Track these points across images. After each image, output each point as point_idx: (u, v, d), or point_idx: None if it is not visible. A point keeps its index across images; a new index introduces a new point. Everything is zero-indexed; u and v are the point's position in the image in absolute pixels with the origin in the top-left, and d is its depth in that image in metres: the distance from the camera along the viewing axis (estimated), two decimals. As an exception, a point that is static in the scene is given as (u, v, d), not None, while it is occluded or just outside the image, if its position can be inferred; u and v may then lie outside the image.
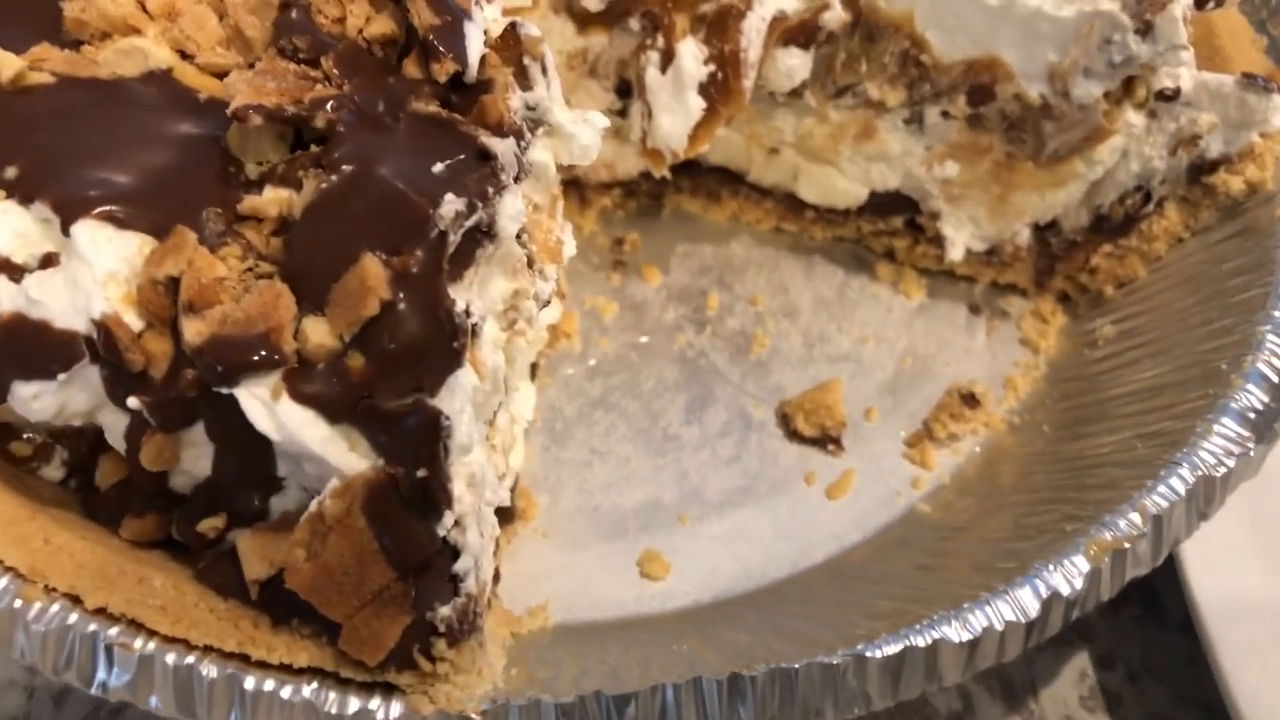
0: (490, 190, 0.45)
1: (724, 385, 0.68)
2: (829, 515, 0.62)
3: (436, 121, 0.47)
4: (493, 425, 0.52)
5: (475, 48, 0.49)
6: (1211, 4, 0.64)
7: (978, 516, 0.61)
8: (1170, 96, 0.65)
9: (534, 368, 0.64)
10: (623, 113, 0.69)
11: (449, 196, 0.43)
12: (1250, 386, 0.56)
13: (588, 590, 0.59)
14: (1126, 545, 0.48)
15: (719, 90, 0.65)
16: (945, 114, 0.67)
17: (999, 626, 0.45)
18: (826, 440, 0.65)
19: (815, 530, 0.62)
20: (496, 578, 0.56)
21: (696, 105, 0.65)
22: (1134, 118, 0.66)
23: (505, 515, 0.59)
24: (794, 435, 0.66)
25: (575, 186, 0.74)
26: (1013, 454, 0.65)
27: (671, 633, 0.54)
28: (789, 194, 0.74)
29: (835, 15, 0.64)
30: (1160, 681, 0.59)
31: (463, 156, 0.45)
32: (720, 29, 0.64)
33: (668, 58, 0.64)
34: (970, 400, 0.66)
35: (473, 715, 0.42)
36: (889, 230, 0.73)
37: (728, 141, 0.73)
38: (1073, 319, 0.71)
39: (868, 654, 0.44)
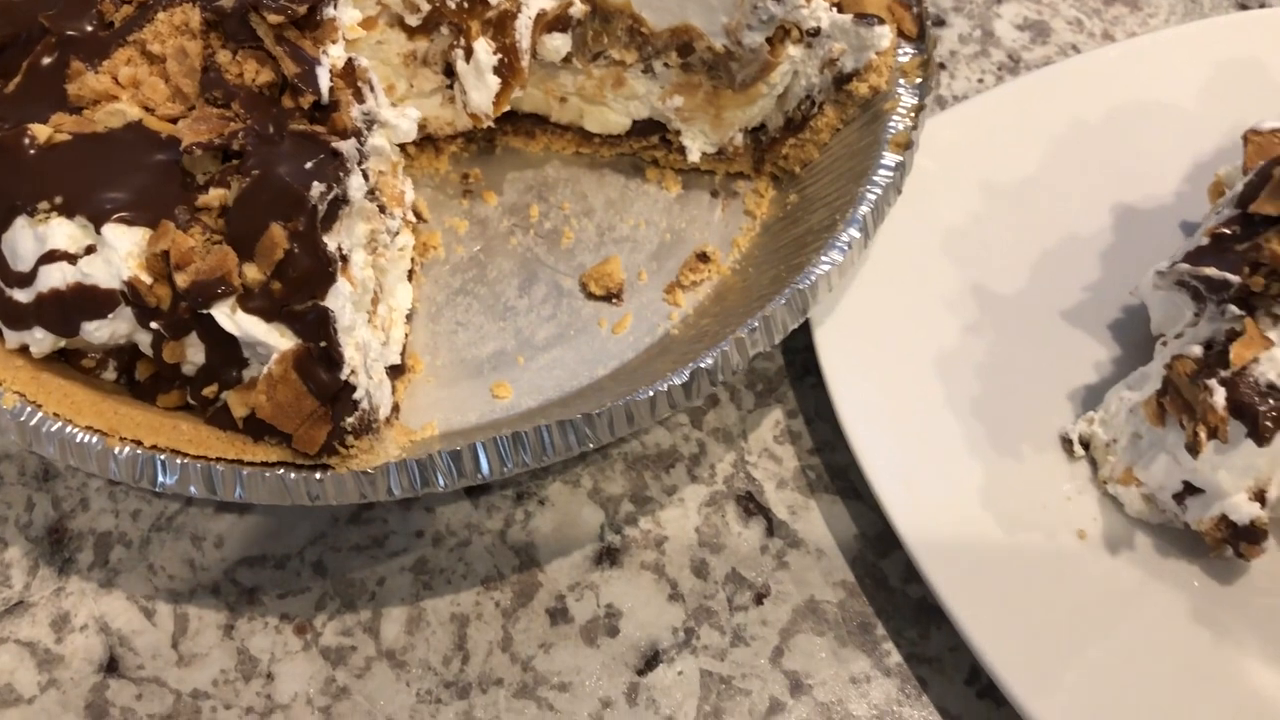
0: (341, 175, 0.75)
1: (544, 269, 0.98)
2: (615, 344, 0.92)
3: (305, 135, 0.77)
4: (374, 313, 0.84)
5: (325, 82, 0.78)
6: (826, -28, 0.93)
7: (709, 331, 0.93)
8: (815, 33, 0.94)
9: (411, 273, 0.96)
10: (451, 86, 1.00)
11: (315, 183, 0.73)
12: (852, 230, 0.88)
13: (459, 410, 0.89)
14: (744, 336, 0.80)
15: (507, 70, 0.94)
16: (665, 64, 0.97)
17: (665, 388, 0.78)
18: (611, 297, 0.96)
19: (605, 354, 0.92)
20: (397, 410, 0.88)
21: (494, 82, 0.94)
22: (794, 50, 0.95)
23: (400, 370, 0.91)
24: (590, 296, 0.95)
25: (430, 141, 1.04)
26: (734, 288, 0.95)
27: (507, 427, 0.87)
28: (580, 128, 1.04)
29: (578, 8, 0.93)
30: (825, 422, 0.91)
31: (323, 156, 0.75)
32: (501, 28, 0.93)
33: (469, 52, 0.94)
34: (703, 257, 0.97)
35: (368, 469, 0.75)
36: (650, 145, 1.03)
37: (532, 96, 1.02)
38: (779, 191, 1.01)
39: (594, 413, 0.77)
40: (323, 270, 0.73)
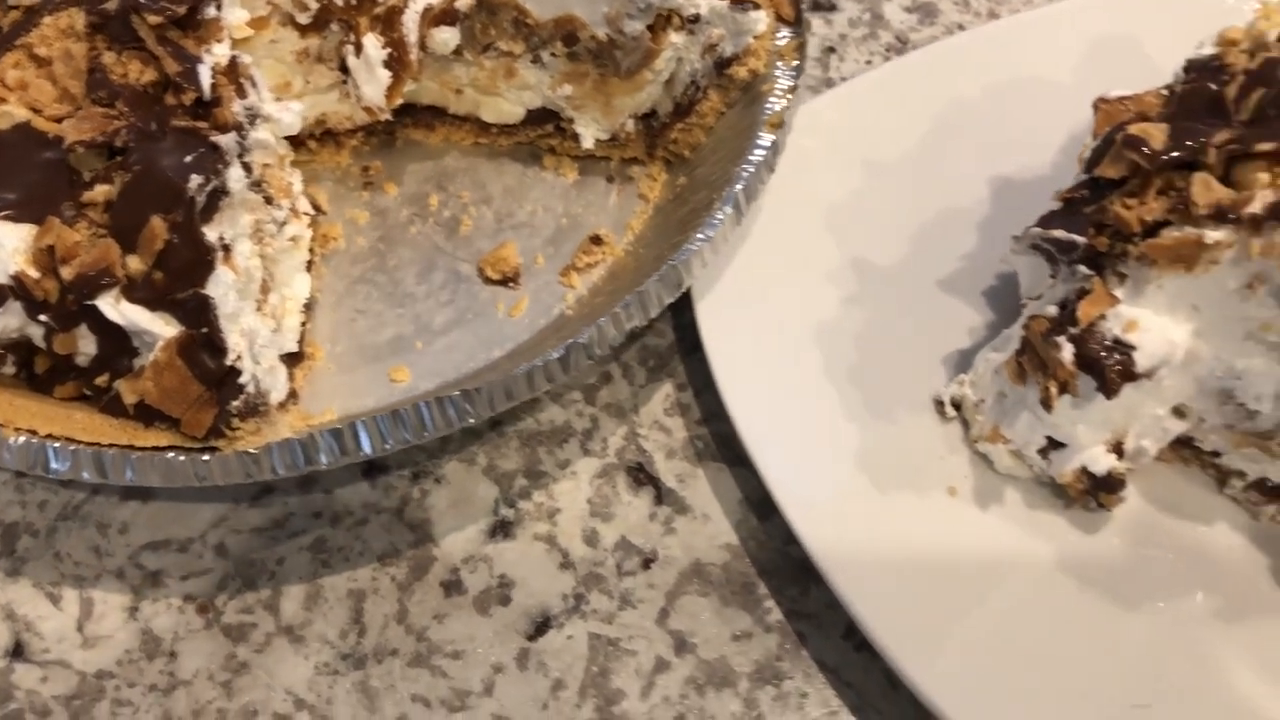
0: (220, 167, 0.78)
1: (443, 256, 1.01)
2: (511, 326, 0.94)
3: (187, 131, 0.79)
4: (264, 301, 0.87)
5: (206, 80, 0.81)
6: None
7: (601, 310, 0.95)
8: (694, 20, 0.97)
9: (311, 264, 0.99)
10: (347, 81, 1.03)
11: (193, 176, 0.76)
12: (726, 208, 0.91)
13: (357, 395, 0.91)
14: (620, 312, 0.84)
15: (397, 64, 0.97)
16: (552, 54, 0.99)
17: (540, 363, 0.81)
18: (507, 281, 0.99)
19: (502, 336, 0.94)
20: (295, 396, 0.91)
21: (384, 75, 0.97)
22: (676, 37, 0.98)
23: (298, 358, 0.93)
24: (487, 281, 0.98)
25: (331, 135, 1.07)
26: (627, 268, 0.98)
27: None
28: (477, 118, 1.07)
29: (464, 1, 0.97)
30: (713, 394, 0.93)
31: (202, 150, 0.79)
32: (389, 24, 0.96)
33: (358, 48, 0.96)
34: (596, 240, 1.00)
35: (252, 449, 0.78)
36: (546, 134, 1.06)
37: (429, 89, 1.05)
38: (671, 175, 1.04)
39: (472, 389, 0.80)
40: (202, 259, 0.76)
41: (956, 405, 0.89)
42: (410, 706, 0.81)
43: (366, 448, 0.79)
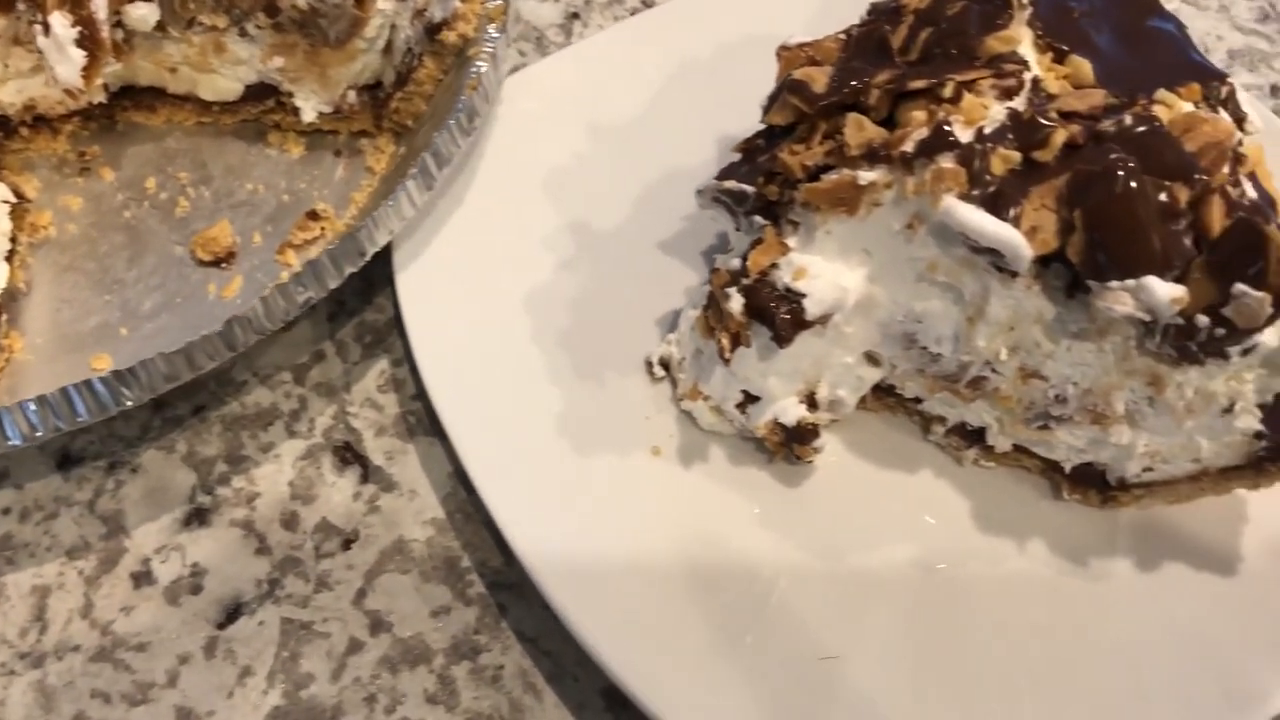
0: None
1: (156, 239, 0.97)
2: (221, 308, 0.91)
3: None
4: (-64, 288, 0.84)
5: None
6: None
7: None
8: None
9: (14, 254, 0.95)
10: (49, 65, 0.99)
11: None
12: (412, 176, 0.88)
13: (56, 386, 0.90)
14: (289, 284, 0.81)
15: (89, 42, 0.94)
16: (258, 26, 0.97)
17: (198, 338, 0.78)
18: (219, 261, 0.96)
19: (212, 318, 0.88)
20: (-14, 388, 0.88)
21: (78, 55, 0.93)
22: (384, 4, 0.95)
23: (-9, 348, 0.90)
24: (199, 262, 0.95)
25: (45, 122, 1.03)
26: None
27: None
28: (197, 97, 1.04)
29: (154, -25, 0.94)
30: None
31: None
32: (76, 1, 0.93)
33: (46, 26, 0.93)
34: (313, 215, 0.97)
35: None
36: (268, 109, 1.03)
37: (144, 69, 1.02)
38: (397, 146, 1.03)
39: (125, 369, 0.77)
40: None
41: (665, 365, 0.88)
42: (89, 703, 0.78)
43: (15, 438, 0.76)
